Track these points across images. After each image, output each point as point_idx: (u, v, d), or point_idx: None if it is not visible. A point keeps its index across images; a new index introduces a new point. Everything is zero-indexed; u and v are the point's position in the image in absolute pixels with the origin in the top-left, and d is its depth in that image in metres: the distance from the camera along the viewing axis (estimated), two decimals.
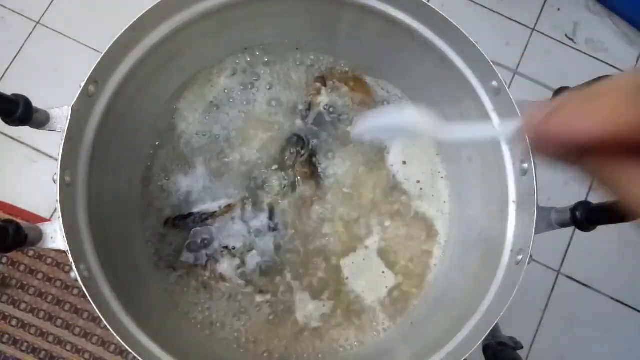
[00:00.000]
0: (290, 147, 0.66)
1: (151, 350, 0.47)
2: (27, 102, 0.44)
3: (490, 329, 0.45)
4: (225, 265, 0.63)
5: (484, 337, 0.45)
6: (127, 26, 0.49)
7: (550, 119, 0.23)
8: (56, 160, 0.45)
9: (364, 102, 0.69)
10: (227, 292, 0.62)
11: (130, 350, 0.43)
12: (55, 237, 0.44)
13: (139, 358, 0.44)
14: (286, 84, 0.69)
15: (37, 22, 1.05)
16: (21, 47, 1.03)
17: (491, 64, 0.50)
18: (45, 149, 0.98)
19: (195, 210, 0.64)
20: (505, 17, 1.11)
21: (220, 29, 0.61)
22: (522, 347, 0.59)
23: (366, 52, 0.66)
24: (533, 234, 0.46)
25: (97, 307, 0.43)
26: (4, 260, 0.91)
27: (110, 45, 0.49)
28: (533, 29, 1.11)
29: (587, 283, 0.97)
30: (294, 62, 0.69)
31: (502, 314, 0.45)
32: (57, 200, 0.44)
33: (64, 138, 0.45)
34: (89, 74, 0.47)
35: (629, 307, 0.97)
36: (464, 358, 0.45)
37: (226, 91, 0.68)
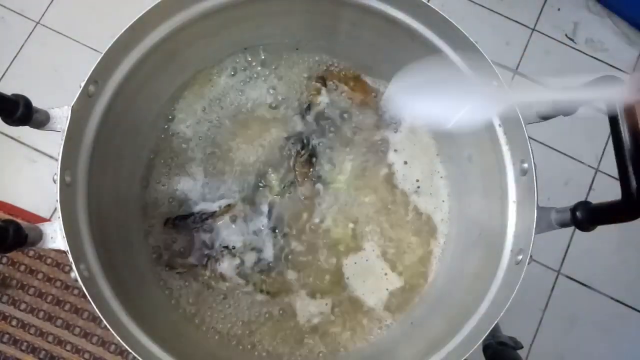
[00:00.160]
0: (290, 147, 0.66)
1: (151, 350, 0.47)
2: (27, 102, 0.44)
3: (490, 328, 0.45)
4: (226, 265, 0.63)
5: (484, 337, 0.45)
6: (127, 26, 0.49)
7: None
8: (56, 160, 0.45)
9: (364, 102, 0.69)
10: (227, 292, 0.62)
11: (130, 350, 0.43)
12: (55, 237, 0.44)
13: (139, 358, 0.44)
14: (286, 84, 0.69)
15: (37, 22, 1.05)
16: (21, 47, 1.03)
17: (491, 64, 0.50)
18: (45, 149, 0.98)
19: (195, 210, 0.64)
20: (505, 17, 1.11)
21: (220, 29, 0.61)
22: (522, 347, 0.59)
23: (366, 52, 0.66)
24: (533, 234, 0.46)
25: (97, 307, 0.43)
26: (4, 260, 0.91)
27: (110, 45, 0.49)
28: (533, 29, 1.10)
29: (587, 283, 0.97)
30: (294, 62, 0.69)
31: (502, 313, 0.45)
32: (57, 200, 0.44)
33: (64, 138, 0.45)
34: (89, 74, 0.48)
35: (629, 307, 0.97)
36: (464, 358, 0.45)
37: (226, 91, 0.68)
